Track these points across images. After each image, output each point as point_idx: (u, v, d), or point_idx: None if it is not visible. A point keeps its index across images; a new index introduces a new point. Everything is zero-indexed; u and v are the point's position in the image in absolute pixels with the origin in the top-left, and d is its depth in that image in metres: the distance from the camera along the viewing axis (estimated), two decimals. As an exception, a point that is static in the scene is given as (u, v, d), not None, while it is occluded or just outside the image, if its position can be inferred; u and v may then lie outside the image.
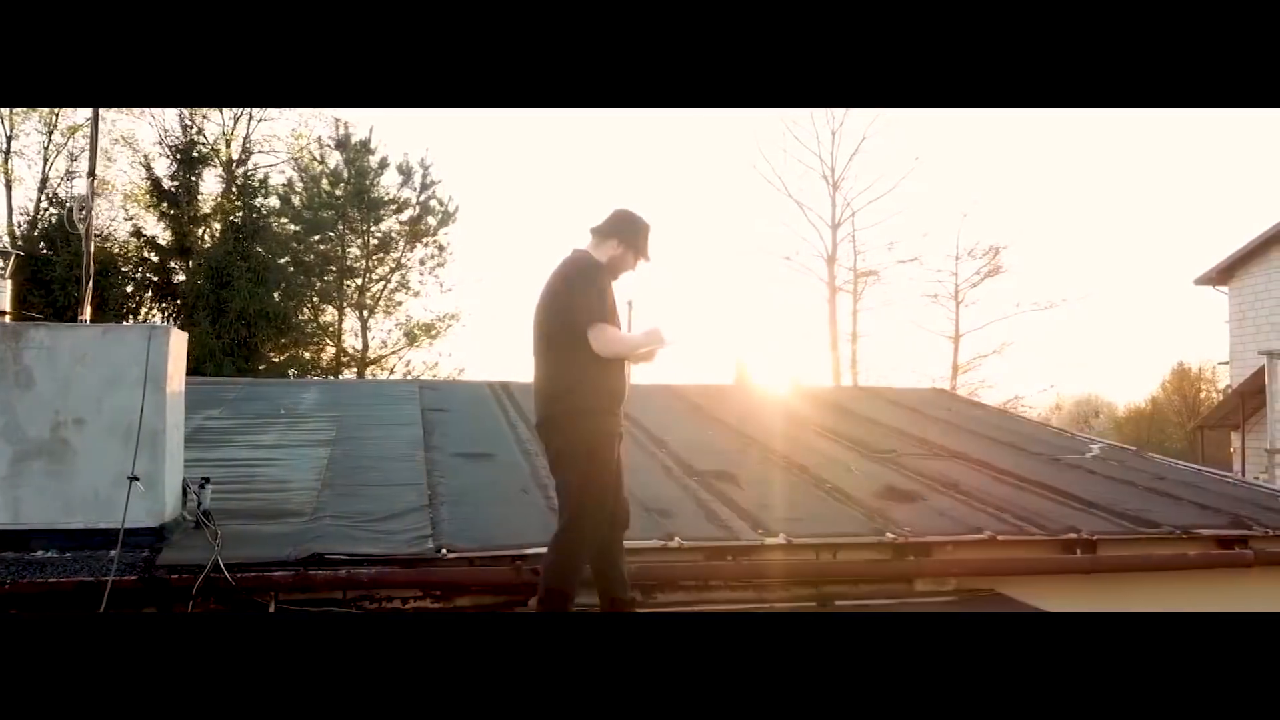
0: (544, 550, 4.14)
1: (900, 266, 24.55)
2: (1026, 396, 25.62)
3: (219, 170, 22.11)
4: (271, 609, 3.83)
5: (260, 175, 22.57)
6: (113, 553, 3.76)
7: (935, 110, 25.60)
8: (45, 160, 24.28)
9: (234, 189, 20.65)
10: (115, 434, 3.96)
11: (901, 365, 30.93)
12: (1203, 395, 33.06)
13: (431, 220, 23.66)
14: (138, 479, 3.88)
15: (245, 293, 17.30)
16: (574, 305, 3.59)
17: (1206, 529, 5.01)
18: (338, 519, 4.41)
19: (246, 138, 23.52)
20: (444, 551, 4.08)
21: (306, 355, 21.80)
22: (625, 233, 3.79)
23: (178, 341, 4.22)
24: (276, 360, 19.28)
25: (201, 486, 4.28)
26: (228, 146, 23.03)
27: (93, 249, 4.18)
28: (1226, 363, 21.85)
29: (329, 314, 22.88)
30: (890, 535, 4.57)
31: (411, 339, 23.44)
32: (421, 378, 21.21)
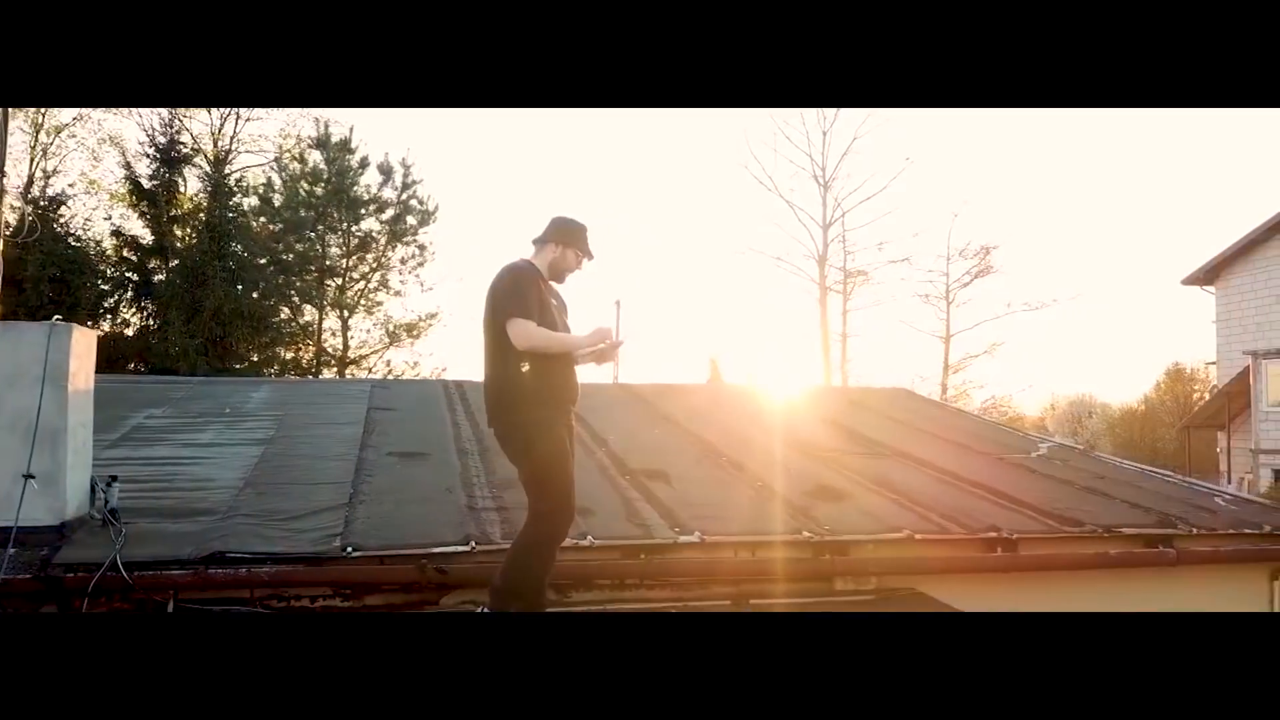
0: (453, 549, 4.17)
1: (891, 266, 24.64)
2: (1010, 396, 25.73)
3: (202, 170, 22.08)
4: (170, 608, 3.81)
5: (236, 175, 22.53)
6: (11, 550, 3.75)
7: (926, 110, 25.65)
8: (31, 161, 24.24)
9: (213, 188, 20.61)
10: (15, 432, 3.94)
11: (892, 365, 31.02)
12: (1195, 395, 33.07)
13: (412, 220, 23.66)
14: (33, 477, 3.85)
15: (220, 292, 17.25)
16: (497, 305, 3.73)
17: (1131, 528, 4.99)
18: (249, 517, 4.38)
19: (234, 137, 23.53)
20: (349, 550, 4.05)
21: (287, 355, 21.74)
22: (560, 236, 3.95)
23: (82, 340, 4.19)
24: (255, 360, 19.23)
25: (109, 485, 4.25)
26: (215, 146, 23.00)
27: (1, 246, 4.14)
28: (1214, 362, 21.87)
29: (309, 314, 22.85)
30: (807, 534, 4.56)
31: (393, 338, 23.43)
32: (403, 377, 21.18)
